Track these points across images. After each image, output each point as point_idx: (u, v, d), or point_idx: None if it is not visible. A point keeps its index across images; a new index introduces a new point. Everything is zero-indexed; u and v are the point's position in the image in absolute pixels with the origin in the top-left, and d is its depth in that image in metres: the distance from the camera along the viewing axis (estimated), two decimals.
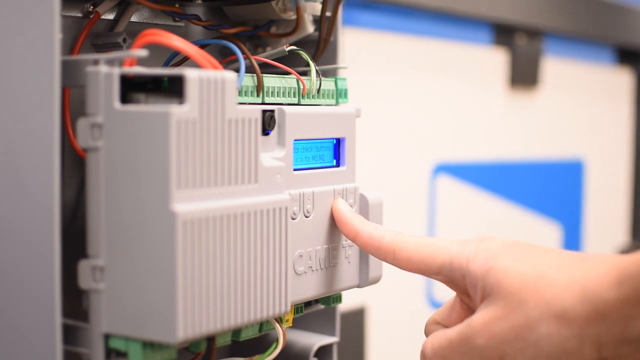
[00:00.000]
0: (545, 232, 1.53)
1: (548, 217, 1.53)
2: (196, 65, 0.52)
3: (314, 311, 0.67)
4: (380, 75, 1.17)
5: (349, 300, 1.10)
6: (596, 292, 0.49)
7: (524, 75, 1.43)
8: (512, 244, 0.54)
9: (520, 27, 1.41)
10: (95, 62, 0.51)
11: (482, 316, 0.52)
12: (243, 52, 0.59)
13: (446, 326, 0.56)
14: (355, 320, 1.12)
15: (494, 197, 1.39)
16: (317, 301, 0.65)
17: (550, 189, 1.55)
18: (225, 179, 0.52)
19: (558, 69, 1.52)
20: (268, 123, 0.58)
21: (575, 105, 1.59)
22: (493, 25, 1.38)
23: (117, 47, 0.59)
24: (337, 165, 0.64)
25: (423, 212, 1.25)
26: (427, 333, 0.57)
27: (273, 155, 0.57)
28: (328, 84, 0.64)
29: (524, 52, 1.41)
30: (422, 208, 1.25)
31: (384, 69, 1.17)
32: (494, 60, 1.38)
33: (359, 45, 1.13)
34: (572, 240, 1.60)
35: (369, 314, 1.14)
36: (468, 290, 0.54)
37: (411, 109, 1.23)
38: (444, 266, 0.54)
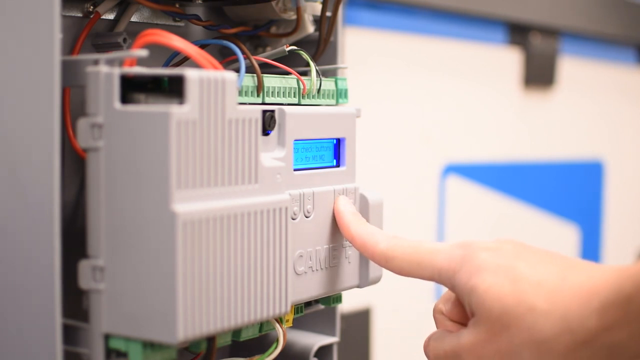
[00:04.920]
0: (563, 233, 1.52)
1: (566, 219, 1.52)
2: (196, 65, 0.52)
3: (314, 311, 0.67)
4: (392, 75, 1.16)
5: (354, 301, 1.09)
6: (577, 321, 0.49)
7: (539, 75, 1.41)
8: (494, 254, 0.53)
9: (535, 26, 1.39)
10: (96, 62, 0.51)
11: (470, 337, 0.52)
12: (243, 52, 0.59)
13: (450, 319, 0.57)
14: (360, 322, 1.11)
15: (508, 199, 1.38)
16: (317, 301, 0.65)
17: (569, 190, 1.52)
18: (225, 179, 0.52)
19: (576, 69, 1.50)
20: (268, 123, 0.58)
21: (594, 106, 1.57)
22: (507, 25, 1.37)
23: (117, 47, 0.59)
24: (337, 165, 0.64)
25: (432, 213, 1.24)
26: (434, 319, 0.58)
27: (273, 156, 0.57)
28: (328, 84, 0.64)
29: (538, 52, 1.40)
30: (431, 209, 1.24)
31: (395, 69, 1.17)
32: (508, 60, 1.37)
33: (370, 45, 1.12)
34: (591, 242, 1.58)
35: (374, 315, 1.13)
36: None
37: (422, 109, 1.22)
38: (433, 277, 0.55)
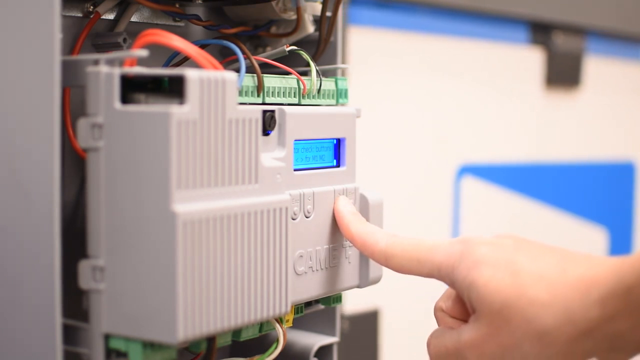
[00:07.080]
0: (590, 236, 1.49)
1: (593, 221, 1.49)
2: (196, 65, 0.52)
3: (314, 311, 0.67)
4: (410, 76, 1.16)
5: (362, 302, 1.09)
6: (579, 312, 0.49)
7: (562, 75, 1.39)
8: (493, 248, 0.53)
9: (558, 25, 1.37)
10: (96, 62, 0.51)
11: (471, 333, 0.52)
12: (243, 52, 0.59)
13: (451, 316, 0.57)
14: (368, 323, 1.11)
15: (529, 201, 1.36)
16: (317, 301, 0.65)
17: (597, 193, 1.49)
18: (225, 179, 0.52)
19: (602, 69, 1.47)
20: (268, 123, 0.58)
21: (622, 106, 1.54)
22: (529, 24, 1.35)
23: (117, 47, 0.59)
24: (338, 165, 0.64)
25: (447, 214, 1.24)
26: (435, 317, 0.58)
27: (273, 156, 0.57)
28: (328, 84, 0.64)
29: (561, 51, 1.38)
30: (446, 210, 1.23)
31: (414, 69, 1.17)
32: (529, 60, 1.35)
33: (390, 45, 1.12)
34: (620, 245, 1.55)
35: (382, 316, 1.13)
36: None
37: (441, 110, 1.22)
38: (433, 273, 0.55)
